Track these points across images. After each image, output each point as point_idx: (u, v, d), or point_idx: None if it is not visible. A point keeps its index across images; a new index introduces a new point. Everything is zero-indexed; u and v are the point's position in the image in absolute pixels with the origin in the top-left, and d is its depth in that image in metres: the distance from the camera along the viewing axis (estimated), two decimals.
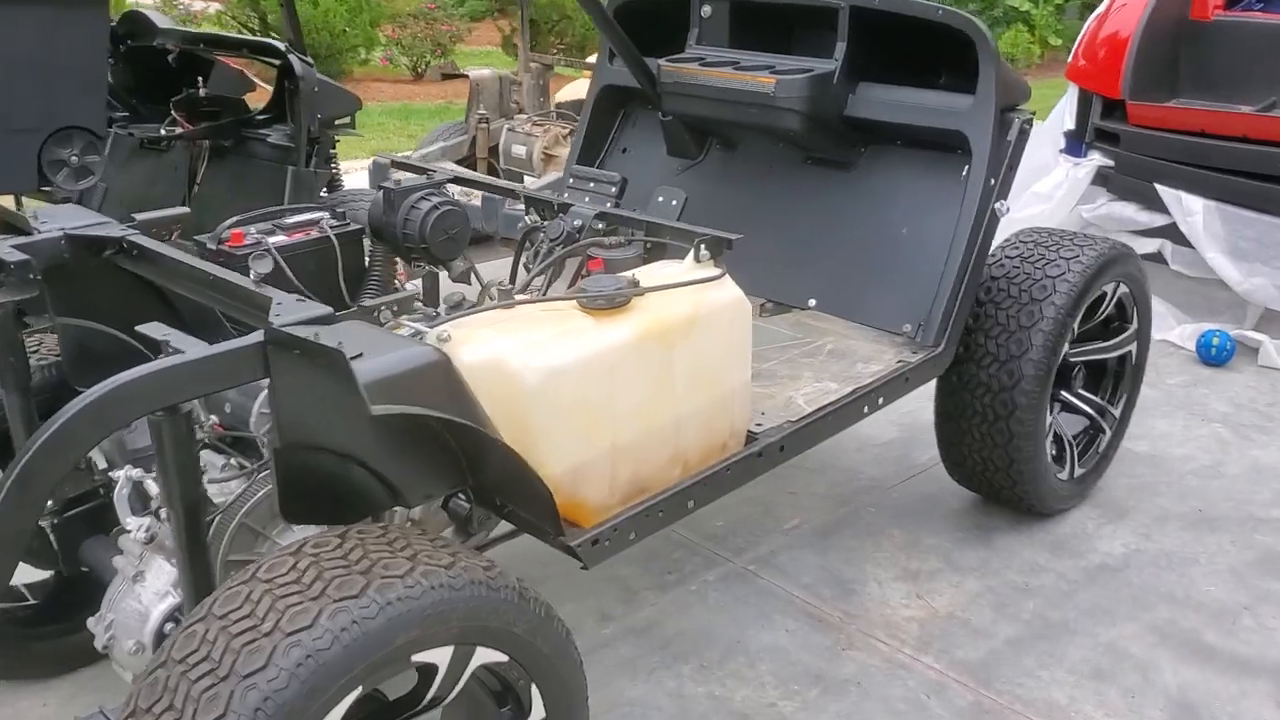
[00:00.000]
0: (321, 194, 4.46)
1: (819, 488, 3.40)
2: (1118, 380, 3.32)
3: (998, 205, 2.76)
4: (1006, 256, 3.01)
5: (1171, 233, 4.43)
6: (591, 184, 3.15)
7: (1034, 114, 2.82)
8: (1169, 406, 3.91)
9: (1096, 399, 3.28)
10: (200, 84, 4.45)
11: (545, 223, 2.50)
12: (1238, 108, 4.46)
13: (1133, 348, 3.29)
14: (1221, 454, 3.60)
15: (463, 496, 2.12)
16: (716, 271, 2.19)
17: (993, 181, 2.74)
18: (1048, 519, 3.20)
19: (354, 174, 5.98)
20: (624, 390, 1.99)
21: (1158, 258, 4.57)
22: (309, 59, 4.11)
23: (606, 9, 3.03)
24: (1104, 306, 3.11)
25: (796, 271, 3.05)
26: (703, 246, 2.21)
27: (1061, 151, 4.80)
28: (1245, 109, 4.44)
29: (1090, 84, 4.69)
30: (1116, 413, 3.32)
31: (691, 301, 2.11)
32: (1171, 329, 4.45)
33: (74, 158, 4.10)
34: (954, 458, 3.10)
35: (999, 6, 15.49)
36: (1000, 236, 4.70)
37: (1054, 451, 3.14)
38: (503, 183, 2.68)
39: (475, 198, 5.03)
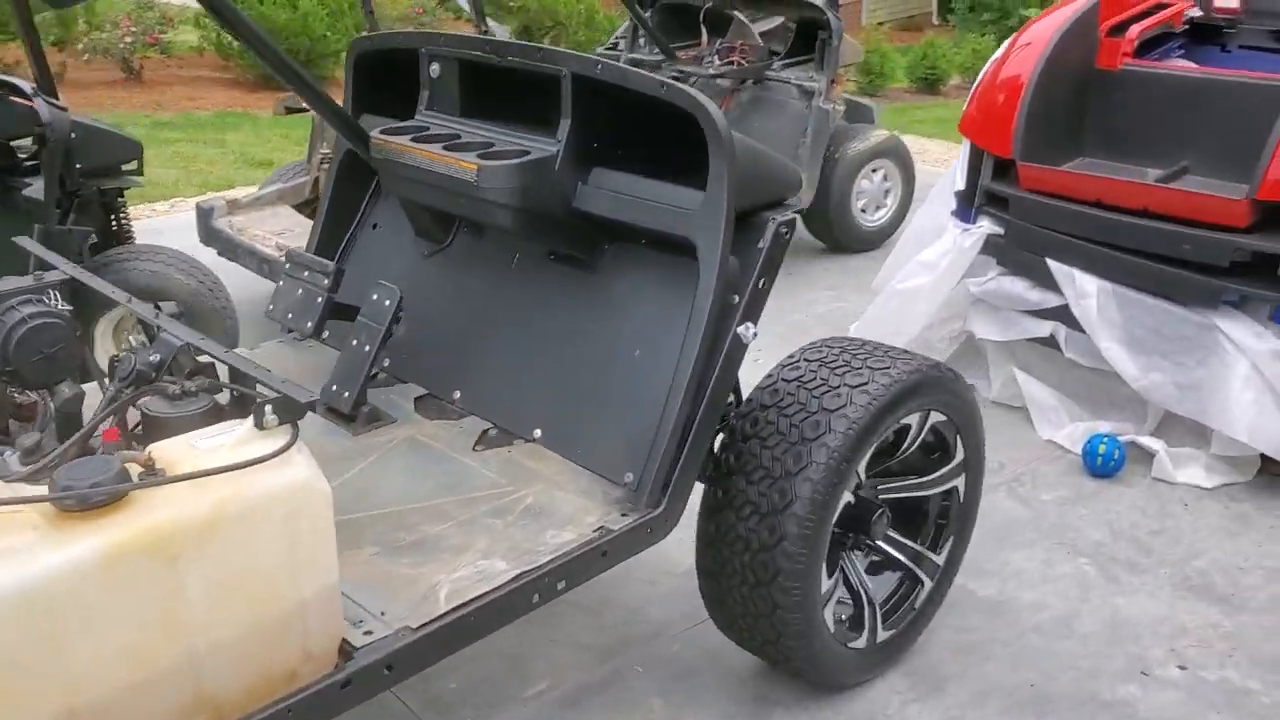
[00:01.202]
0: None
1: (587, 634, 2.84)
2: (942, 521, 2.75)
3: (741, 329, 2.19)
4: (784, 378, 2.44)
5: (1065, 315, 3.82)
6: (306, 273, 2.60)
7: (799, 213, 2.26)
8: (1034, 533, 3.31)
9: (913, 545, 2.70)
10: None
11: (120, 354, 1.95)
12: (1145, 172, 3.86)
13: (959, 482, 2.71)
14: (1080, 602, 3.00)
15: None
16: (278, 444, 1.65)
17: (734, 299, 2.18)
18: (845, 689, 2.63)
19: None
20: (85, 631, 1.44)
21: (1051, 342, 3.97)
22: (61, 102, 3.58)
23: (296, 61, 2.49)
24: (910, 440, 2.54)
25: (528, 392, 2.50)
26: (267, 410, 1.67)
27: (951, 214, 4.20)
28: (1153, 173, 3.84)
29: (980, 139, 4.09)
30: (940, 559, 2.74)
31: (215, 496, 1.56)
32: (1062, 427, 3.86)
33: None
34: (722, 619, 2.54)
35: (1014, 16, 14.93)
36: (877, 309, 4.14)
37: (849, 614, 2.59)
38: (115, 291, 2.14)
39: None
